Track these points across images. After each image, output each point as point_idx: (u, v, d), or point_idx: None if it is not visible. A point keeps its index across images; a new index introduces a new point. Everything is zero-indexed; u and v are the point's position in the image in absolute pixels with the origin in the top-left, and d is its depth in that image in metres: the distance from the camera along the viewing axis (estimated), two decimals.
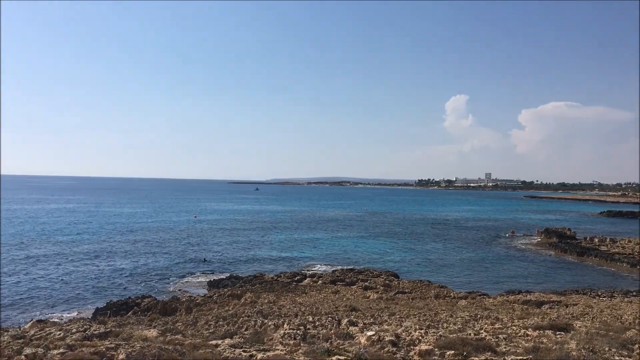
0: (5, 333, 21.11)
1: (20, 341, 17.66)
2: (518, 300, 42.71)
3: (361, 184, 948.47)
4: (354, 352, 15.75)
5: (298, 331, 19.56)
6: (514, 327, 21.82)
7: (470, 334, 19.31)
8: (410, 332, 19.70)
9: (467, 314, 28.43)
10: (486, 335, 19.00)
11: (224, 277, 58.23)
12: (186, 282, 57.52)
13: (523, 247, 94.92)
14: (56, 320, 36.48)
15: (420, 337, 18.43)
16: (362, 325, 22.49)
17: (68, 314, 42.98)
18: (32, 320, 37.43)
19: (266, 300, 41.10)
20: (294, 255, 79.67)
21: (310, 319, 23.88)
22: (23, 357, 14.34)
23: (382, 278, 56.02)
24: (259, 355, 14.75)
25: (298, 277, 56.54)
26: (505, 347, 16.73)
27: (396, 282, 54.48)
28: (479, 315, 27.38)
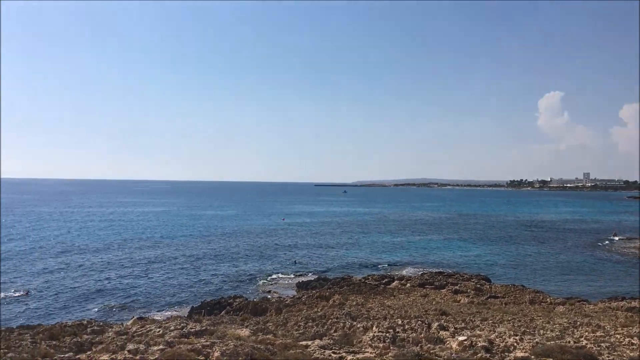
0: (110, 329, 22.49)
1: (123, 337, 18.75)
2: (621, 307, 40.09)
3: (449, 185, 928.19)
4: (445, 356, 15.42)
5: (387, 334, 19.41)
6: (617, 336, 20.50)
7: (569, 342, 18.36)
8: (505, 338, 19.01)
9: (565, 320, 27.04)
10: (587, 344, 17.99)
11: (312, 278, 58.91)
12: (275, 283, 58.71)
13: (626, 250, 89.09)
14: (155, 318, 38.40)
15: (515, 344, 17.74)
16: (453, 329, 21.97)
17: (166, 312, 45.06)
18: (133, 317, 39.61)
19: (354, 303, 41.12)
20: (382, 257, 79.24)
21: (400, 322, 23.63)
22: (126, 352, 15.20)
23: (473, 282, 54.50)
24: (349, 357, 14.78)
25: (386, 280, 56.15)
26: (608, 356, 15.77)
27: (488, 286, 52.80)
28: (578, 322, 25.97)
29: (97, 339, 18.41)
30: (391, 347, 17.21)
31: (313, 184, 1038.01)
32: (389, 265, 72.08)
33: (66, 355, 15.11)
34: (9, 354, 15.93)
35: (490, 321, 26.65)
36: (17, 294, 49.72)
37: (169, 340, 16.37)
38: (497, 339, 18.59)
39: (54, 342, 17.66)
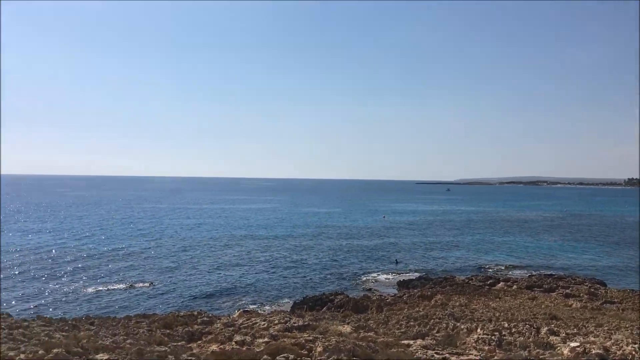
0: (218, 320, 23.51)
1: (230, 329, 19.54)
2: None
3: (559, 183, 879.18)
4: None
5: (493, 337, 18.75)
6: None
7: None
8: (622, 346, 17.72)
9: None
10: None
11: (414, 277, 58.21)
12: (376, 281, 58.60)
13: None
14: (259, 311, 39.68)
15: (634, 352, 16.49)
16: (564, 335, 20.82)
17: (269, 306, 46.41)
18: (239, 310, 41.21)
19: (457, 303, 40.13)
20: (487, 258, 76.70)
21: (506, 325, 22.75)
22: (234, 343, 15.82)
23: (586, 285, 51.31)
24: (452, 359, 14.44)
25: (491, 281, 54.31)
26: None
27: (603, 291, 49.48)
28: None
29: (207, 329, 19.31)
30: (497, 351, 16.61)
31: (414, 182, 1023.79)
32: (494, 266, 69.61)
33: (179, 343, 15.97)
34: (128, 340, 17.12)
35: (606, 327, 24.98)
36: (143, 286, 53.47)
37: (274, 333, 16.84)
38: (613, 347, 17.37)
39: (168, 331, 18.75)
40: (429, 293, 46.37)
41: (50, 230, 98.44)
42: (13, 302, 45.86)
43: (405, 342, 17.31)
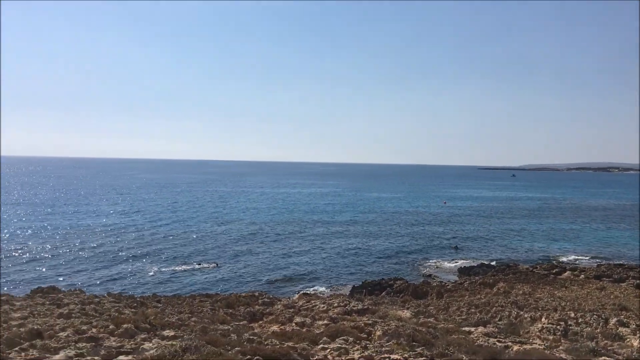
0: (279, 302, 23.94)
1: (290, 310, 19.85)
2: None
3: (632, 170, 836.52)
4: (625, 355, 14.08)
5: (558, 326, 18.20)
6: None
7: None
8: None
9: None
10: None
11: (475, 264, 57.18)
12: (436, 267, 57.95)
13: None
14: (319, 294, 40.08)
15: None
16: (634, 326, 19.95)
17: (328, 289, 46.76)
18: (299, 292, 41.79)
19: (520, 292, 39.18)
20: (552, 246, 74.31)
21: (572, 315, 22.02)
22: (294, 324, 16.08)
23: None
24: (515, 347, 14.13)
25: (556, 270, 52.64)
26: None
27: None
28: None
29: (268, 310, 19.71)
30: (562, 341, 16.13)
31: (476, 168, 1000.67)
32: (560, 254, 67.39)
33: (241, 323, 16.38)
34: (192, 318, 17.70)
35: None
36: (209, 266, 55.10)
37: (333, 316, 16.98)
38: None
39: (230, 311, 19.26)
40: (490, 281, 45.47)
41: (122, 212, 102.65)
42: (85, 279, 48.22)
43: (467, 328, 17.07)
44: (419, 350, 12.38)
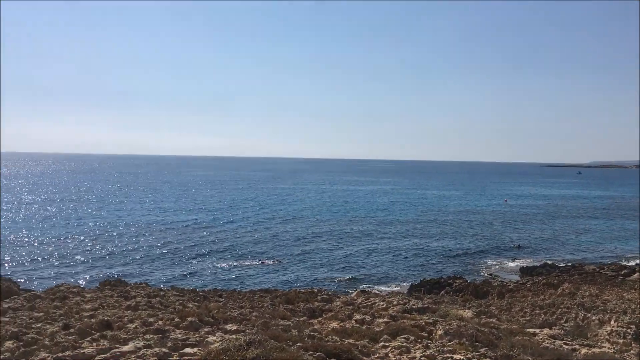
0: (337, 299, 24.00)
1: (350, 307, 19.88)
2: None
3: None
4: None
5: (628, 330, 17.44)
6: None
7: None
8: None
9: None
10: None
11: (538, 264, 55.59)
12: (497, 266, 56.71)
13: None
14: (377, 291, 39.96)
15: None
16: None
17: (386, 287, 46.61)
18: (356, 290, 41.78)
19: (587, 293, 37.72)
20: (619, 246, 71.30)
21: None
22: (353, 321, 16.09)
23: None
24: (583, 350, 13.65)
25: (625, 271, 50.42)
26: None
27: None
28: None
29: (327, 307, 19.81)
30: (633, 345, 15.47)
31: (538, 165, 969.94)
32: (629, 255, 64.56)
33: (301, 319, 16.54)
34: (254, 313, 18.01)
35: None
36: (271, 262, 56.01)
37: (393, 314, 16.89)
38: None
39: (290, 306, 19.48)
40: (555, 281, 44.02)
41: (183, 209, 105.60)
42: (148, 273, 49.93)
43: (531, 330, 16.61)
44: (482, 351, 12.15)
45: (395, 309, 18.08)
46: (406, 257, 60.29)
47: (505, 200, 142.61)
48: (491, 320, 17.66)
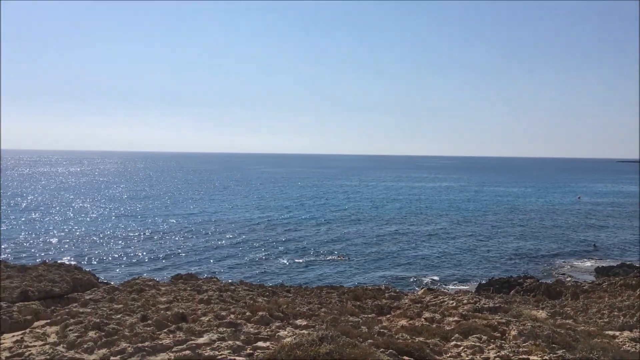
0: (405, 296, 23.80)
1: (418, 305, 19.66)
2: None
3: None
4: None
5: None
6: None
7: None
8: None
9: None
10: None
11: (614, 264, 53.12)
12: (570, 266, 54.64)
13: None
14: (444, 290, 39.34)
15: None
16: None
17: (453, 285, 45.85)
18: (423, 288, 41.29)
19: None
20: None
21: None
22: (423, 319, 15.93)
23: None
24: None
25: None
26: None
27: None
28: None
29: (395, 304, 19.69)
30: None
31: (615, 160, 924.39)
32: None
33: (370, 315, 16.52)
34: (322, 309, 18.15)
35: None
36: (339, 259, 56.35)
37: (463, 313, 16.59)
38: None
39: (358, 303, 19.48)
40: (633, 282, 41.89)
41: (252, 205, 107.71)
42: (217, 268, 51.24)
43: (610, 332, 15.92)
44: (559, 353, 11.74)
45: (465, 307, 17.74)
46: (473, 255, 59.07)
47: (579, 197, 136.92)
48: (567, 321, 17.04)
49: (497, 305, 19.06)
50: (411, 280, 48.04)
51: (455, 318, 15.64)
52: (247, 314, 15.77)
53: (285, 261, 54.87)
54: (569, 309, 23.54)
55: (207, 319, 14.95)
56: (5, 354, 11.40)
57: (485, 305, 18.31)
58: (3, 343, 12.52)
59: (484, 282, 45.24)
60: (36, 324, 15.33)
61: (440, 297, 22.20)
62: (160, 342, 11.86)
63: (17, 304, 16.50)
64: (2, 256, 49.76)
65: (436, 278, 48.91)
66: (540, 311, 19.01)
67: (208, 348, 11.34)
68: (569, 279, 47.91)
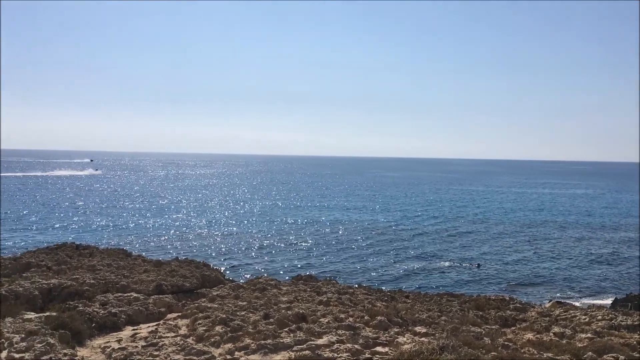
0: (532, 309, 22.54)
1: (546, 319, 18.52)
2: None
3: None
4: None
5: None
6: None
7: None
8: None
9: None
10: None
11: None
12: None
13: None
14: (575, 304, 36.84)
15: None
16: None
17: (584, 299, 42.86)
18: (551, 300, 38.95)
19: None
20: None
21: None
22: (551, 334, 14.96)
23: None
24: None
25: None
26: None
27: None
28: None
29: (520, 316, 18.73)
30: None
31: None
32: None
33: (493, 327, 15.86)
34: (442, 317, 17.71)
35: None
36: (468, 265, 55.15)
37: (597, 329, 15.39)
38: None
39: (480, 313, 18.76)
40: None
41: (375, 209, 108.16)
42: (334, 270, 51.90)
43: None
44: None
45: (599, 324, 16.42)
46: (606, 268, 54.78)
47: None
48: None
49: (637, 323, 17.46)
50: (534, 291, 45.58)
51: (588, 335, 14.53)
52: (366, 318, 15.77)
53: (405, 265, 54.40)
54: None
55: (326, 320, 15.15)
56: (142, 342, 12.35)
57: (623, 323, 16.81)
58: (140, 333, 13.61)
59: (620, 297, 41.76)
60: (169, 316, 16.46)
61: (571, 312, 20.77)
62: (281, 341, 12.21)
63: (152, 297, 17.81)
64: (142, 252, 54.14)
65: (562, 290, 46.04)
66: None
67: (327, 350, 11.48)
68: None
